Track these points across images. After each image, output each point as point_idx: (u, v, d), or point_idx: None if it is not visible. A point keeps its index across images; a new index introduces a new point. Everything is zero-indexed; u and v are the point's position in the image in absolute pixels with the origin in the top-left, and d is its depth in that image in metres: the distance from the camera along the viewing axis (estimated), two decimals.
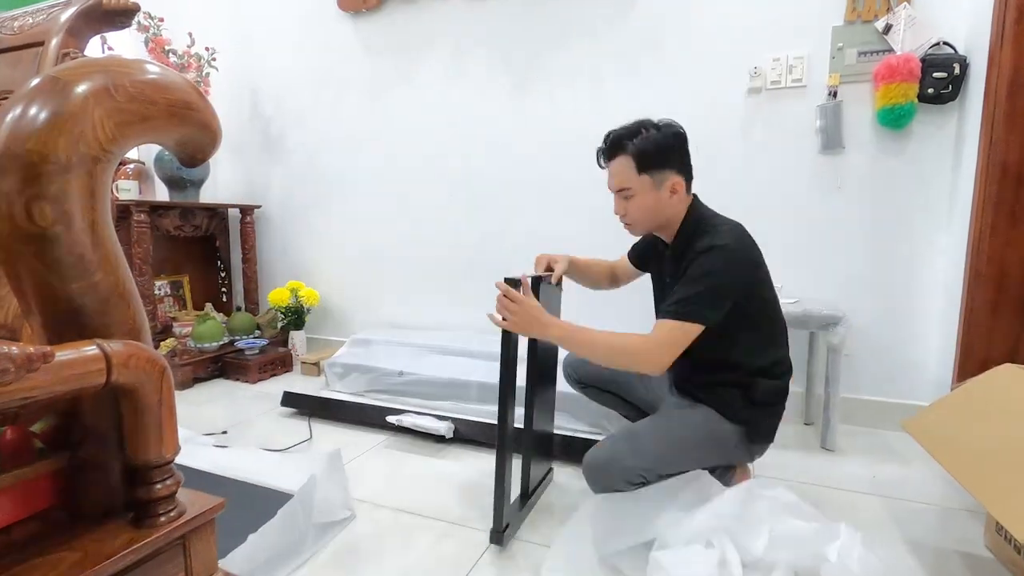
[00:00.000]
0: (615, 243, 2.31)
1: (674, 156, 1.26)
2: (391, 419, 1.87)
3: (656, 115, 2.09)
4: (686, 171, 1.29)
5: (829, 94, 1.90)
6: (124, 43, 2.73)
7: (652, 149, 1.23)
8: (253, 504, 1.39)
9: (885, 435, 1.87)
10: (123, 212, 2.46)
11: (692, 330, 1.15)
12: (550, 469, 1.63)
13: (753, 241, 1.27)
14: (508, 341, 1.27)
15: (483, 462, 1.70)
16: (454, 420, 1.87)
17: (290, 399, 2.15)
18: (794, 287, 1.98)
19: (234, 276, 3.06)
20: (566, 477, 1.62)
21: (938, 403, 1.30)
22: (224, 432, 1.90)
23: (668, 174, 1.25)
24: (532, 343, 1.34)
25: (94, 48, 3.50)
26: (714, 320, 1.16)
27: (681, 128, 1.29)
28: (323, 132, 2.81)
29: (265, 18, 2.88)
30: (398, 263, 2.72)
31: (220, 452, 1.75)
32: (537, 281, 1.35)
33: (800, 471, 1.61)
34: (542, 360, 1.41)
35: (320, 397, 2.15)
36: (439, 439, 1.83)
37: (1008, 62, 1.54)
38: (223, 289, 3.07)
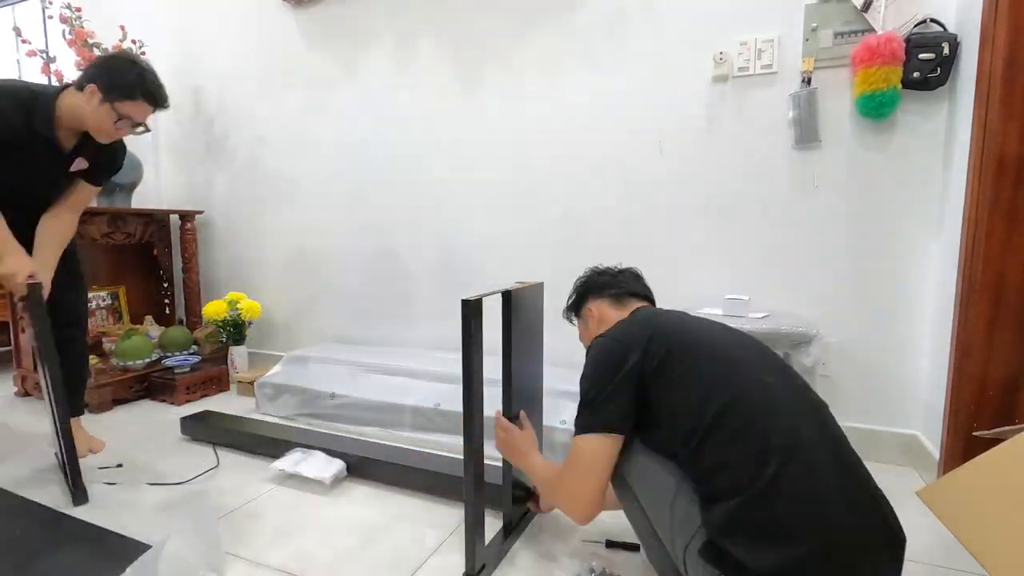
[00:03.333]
0: (570, 241, 2.12)
1: (588, 289, 1.23)
2: (279, 465, 1.59)
3: (614, 108, 1.92)
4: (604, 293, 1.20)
5: (803, 81, 1.69)
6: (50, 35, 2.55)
7: (572, 296, 1.27)
8: (105, 555, 1.20)
9: (870, 468, 1.63)
10: None
11: (591, 442, 0.94)
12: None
13: (646, 325, 1.01)
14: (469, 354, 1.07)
15: (418, 504, 1.47)
16: (393, 448, 1.64)
17: (190, 427, 1.89)
18: (765, 300, 1.76)
19: (176, 286, 2.85)
20: None
21: (964, 469, 1.06)
22: (119, 465, 1.68)
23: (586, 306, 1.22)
24: (507, 358, 1.21)
25: (8, 40, 3.34)
26: (604, 419, 0.94)
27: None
28: (267, 132, 2.61)
29: (206, 11, 2.69)
30: (345, 272, 2.51)
31: (106, 489, 1.55)
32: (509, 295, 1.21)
33: None
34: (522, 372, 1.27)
35: (224, 426, 1.87)
36: (367, 477, 1.60)
37: (1003, 37, 1.32)
38: (166, 301, 2.87)
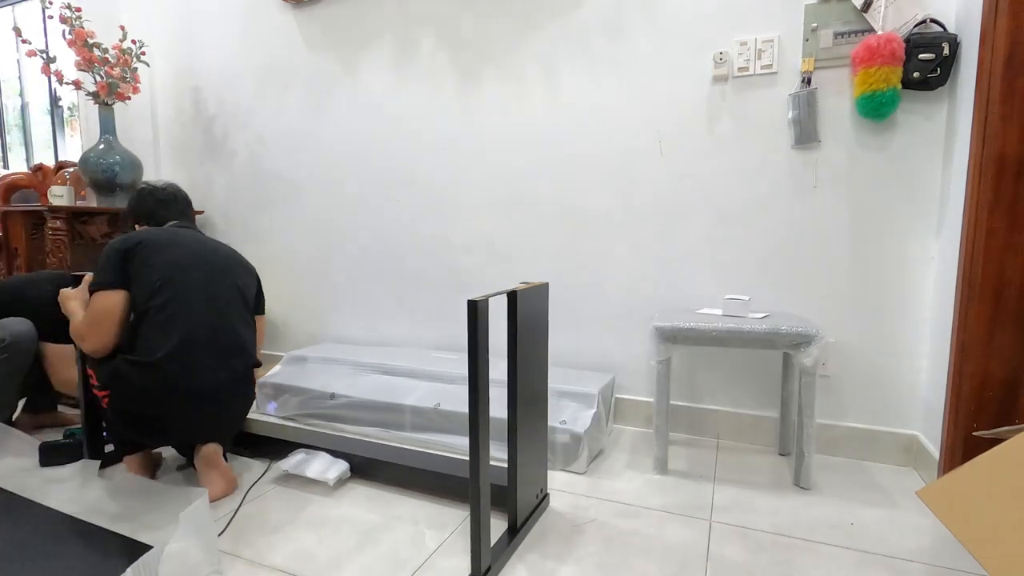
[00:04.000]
0: (570, 241, 2.13)
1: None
2: (283, 465, 1.59)
3: (614, 108, 1.92)
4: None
5: (802, 81, 1.69)
6: (51, 35, 2.55)
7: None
8: (105, 555, 1.20)
9: (870, 468, 1.65)
10: (38, 219, 2.27)
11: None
12: (545, 495, 1.44)
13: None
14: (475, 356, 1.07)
15: (420, 505, 1.47)
16: (396, 449, 1.64)
17: None
18: (765, 300, 1.76)
19: None
20: (565, 499, 1.44)
21: (964, 469, 1.06)
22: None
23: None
24: (512, 359, 1.19)
25: (8, 40, 3.34)
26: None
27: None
28: (267, 132, 2.62)
29: (206, 11, 2.69)
30: (345, 272, 2.51)
31: (97, 484, 1.56)
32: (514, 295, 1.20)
33: (762, 516, 1.38)
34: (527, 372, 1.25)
35: None
36: (371, 475, 1.60)
37: (1003, 37, 1.32)
38: None
